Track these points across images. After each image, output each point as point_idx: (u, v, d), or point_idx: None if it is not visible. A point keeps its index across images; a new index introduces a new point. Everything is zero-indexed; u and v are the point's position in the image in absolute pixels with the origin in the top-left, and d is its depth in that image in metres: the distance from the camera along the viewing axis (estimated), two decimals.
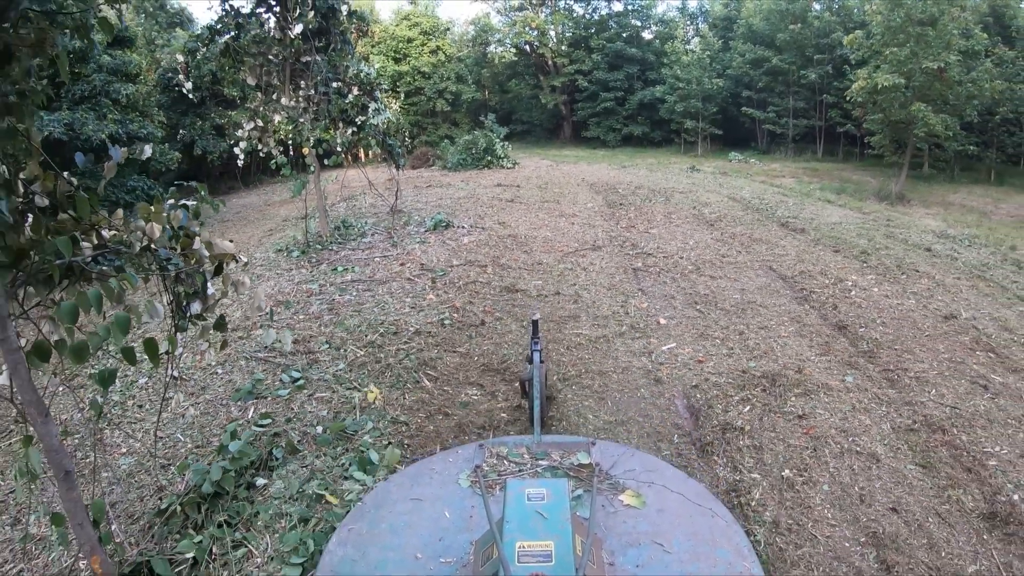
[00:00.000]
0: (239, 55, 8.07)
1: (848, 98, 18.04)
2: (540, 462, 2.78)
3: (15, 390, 2.60)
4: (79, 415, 4.84)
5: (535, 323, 3.99)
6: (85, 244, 2.67)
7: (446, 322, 6.01)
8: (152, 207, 2.85)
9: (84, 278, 2.73)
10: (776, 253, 8.61)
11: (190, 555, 3.15)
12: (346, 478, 3.72)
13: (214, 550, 3.21)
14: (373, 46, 26.96)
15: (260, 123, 8.65)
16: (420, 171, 20.40)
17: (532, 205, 12.31)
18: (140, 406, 4.94)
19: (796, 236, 9.78)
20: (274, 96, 8.52)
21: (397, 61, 28.18)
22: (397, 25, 29.43)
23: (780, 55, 24.63)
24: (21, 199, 2.50)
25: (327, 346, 5.53)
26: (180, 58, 8.45)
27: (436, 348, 5.44)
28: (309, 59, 8.11)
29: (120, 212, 2.81)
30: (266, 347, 5.53)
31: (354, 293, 7.01)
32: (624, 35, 31.73)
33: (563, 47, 32.76)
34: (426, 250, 8.79)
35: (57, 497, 3.71)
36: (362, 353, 5.36)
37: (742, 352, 5.33)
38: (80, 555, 3.17)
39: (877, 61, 16.24)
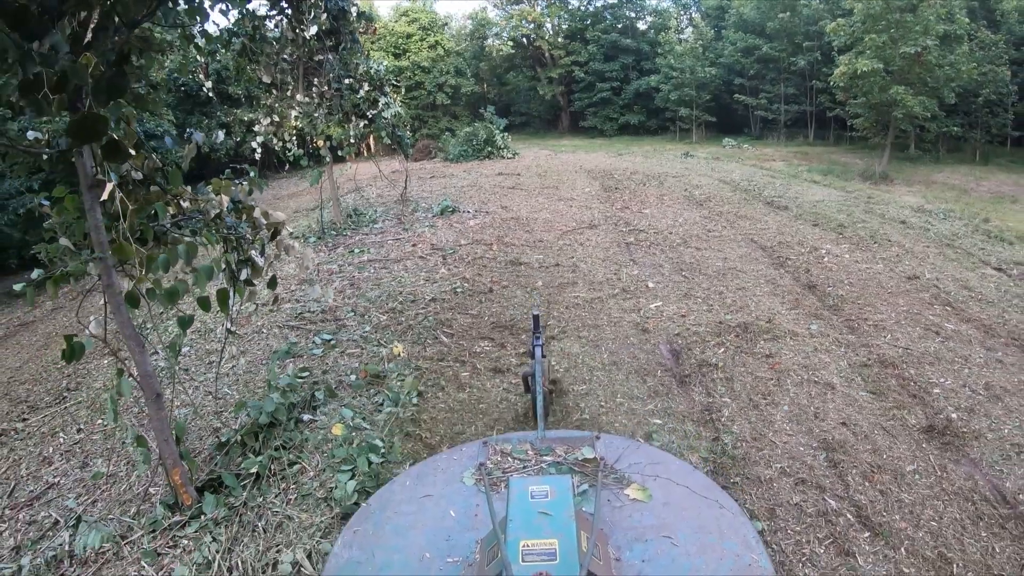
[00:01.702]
0: (255, 55, 8.66)
1: (831, 83, 18.60)
2: (544, 458, 2.77)
3: (115, 329, 3.26)
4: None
5: (536, 318, 3.91)
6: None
7: (458, 290, 6.67)
8: (222, 182, 3.55)
9: (164, 241, 3.42)
10: (758, 228, 9.24)
11: (253, 470, 3.80)
12: (379, 412, 4.39)
13: (272, 468, 3.87)
14: (373, 42, 27.45)
15: (276, 119, 9.27)
16: (423, 163, 20.97)
17: (532, 191, 12.94)
18: (186, 370, 5.60)
19: (779, 213, 10.40)
20: (288, 93, 9.12)
21: (397, 56, 28.70)
22: (396, 21, 29.94)
23: (771, 43, 25.20)
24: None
25: (352, 313, 6.18)
26: (200, 59, 9.02)
27: (451, 311, 6.11)
28: (322, 58, 8.70)
29: (189, 188, 3.50)
30: (298, 315, 6.18)
31: (371, 271, 7.67)
32: (619, 26, 32.26)
33: (559, 39, 33.34)
34: (435, 232, 9.44)
35: (129, 436, 4.38)
36: (384, 318, 6.02)
37: (720, 308, 5.98)
38: (151, 485, 3.82)
39: (860, 47, 16.77)
